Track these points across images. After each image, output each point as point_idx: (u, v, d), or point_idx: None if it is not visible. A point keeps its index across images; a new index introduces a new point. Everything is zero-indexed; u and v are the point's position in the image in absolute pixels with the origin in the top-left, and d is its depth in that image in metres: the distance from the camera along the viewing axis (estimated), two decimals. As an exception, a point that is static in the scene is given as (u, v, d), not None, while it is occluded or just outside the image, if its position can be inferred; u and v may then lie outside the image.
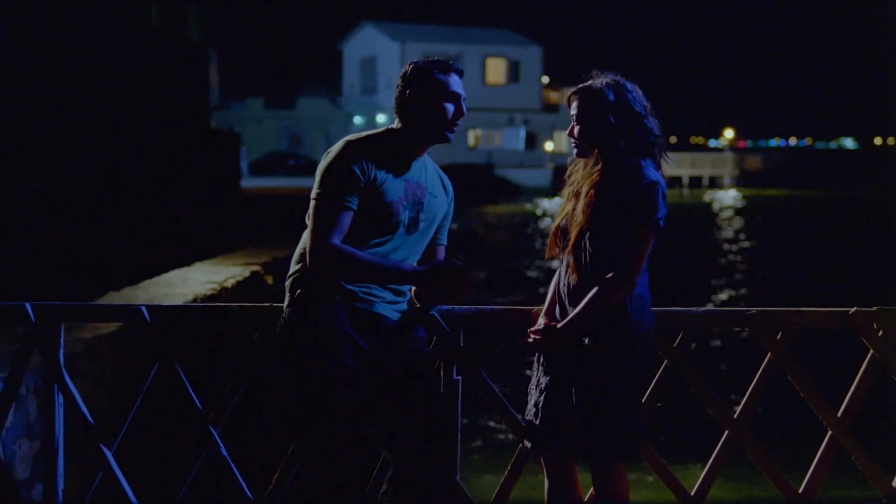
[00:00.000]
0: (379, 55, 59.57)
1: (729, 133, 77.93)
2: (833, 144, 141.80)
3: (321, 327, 3.58)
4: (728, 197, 54.61)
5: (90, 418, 4.18)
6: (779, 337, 4.11)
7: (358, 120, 58.20)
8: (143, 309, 4.17)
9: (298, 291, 3.64)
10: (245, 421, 5.56)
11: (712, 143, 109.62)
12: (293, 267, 3.72)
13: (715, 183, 66.52)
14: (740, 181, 66.88)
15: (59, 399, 4.20)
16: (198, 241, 13.85)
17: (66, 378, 4.18)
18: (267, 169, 48.72)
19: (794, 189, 62.00)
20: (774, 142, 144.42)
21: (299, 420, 3.61)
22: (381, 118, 56.91)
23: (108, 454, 4.19)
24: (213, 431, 4.16)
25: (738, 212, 43.22)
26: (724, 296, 18.70)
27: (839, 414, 4.09)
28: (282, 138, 58.63)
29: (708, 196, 55.02)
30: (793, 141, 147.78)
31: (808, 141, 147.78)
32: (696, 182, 65.33)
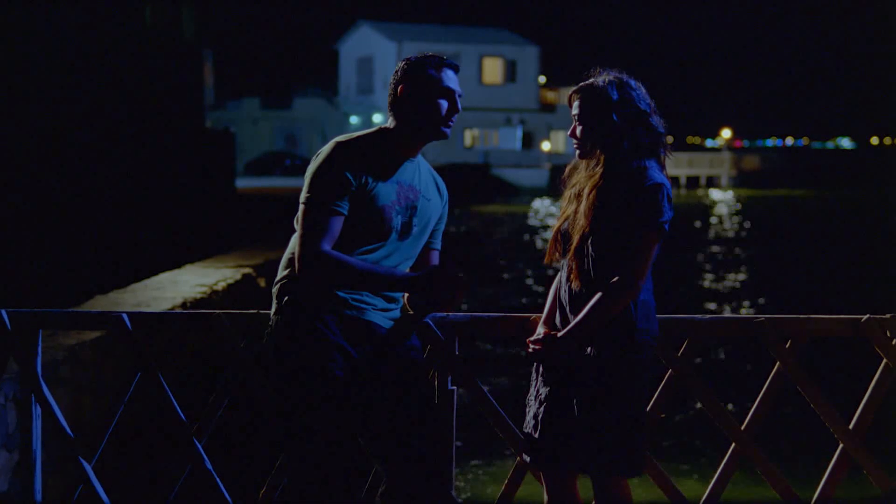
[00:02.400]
0: (375, 55, 59.43)
1: (726, 133, 77.84)
2: (830, 144, 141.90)
3: (309, 336, 3.44)
4: (726, 197, 54.50)
5: (69, 430, 4.01)
6: (788, 345, 3.94)
7: (354, 120, 58.06)
8: (125, 316, 4.00)
9: (286, 298, 3.50)
10: (231, 433, 5.39)
11: (709, 142, 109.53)
12: (281, 273, 3.57)
13: (712, 183, 66.43)
14: (738, 181, 66.80)
15: (37, 410, 4.03)
16: (190, 243, 13.69)
17: (44, 388, 4.01)
18: (263, 169, 48.65)
19: (793, 189, 61.94)
20: (771, 142, 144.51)
21: (287, 433, 3.46)
22: (377, 118, 56.78)
23: (88, 468, 4.02)
24: (198, 444, 4.00)
25: (739, 213, 43.07)
26: (728, 301, 18.37)
27: (851, 426, 3.92)
28: (278, 138, 58.52)
29: (706, 196, 54.89)
30: (789, 141, 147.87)
31: (804, 141, 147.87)
32: (693, 182, 65.23)
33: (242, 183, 30.42)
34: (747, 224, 36.42)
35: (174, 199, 16.46)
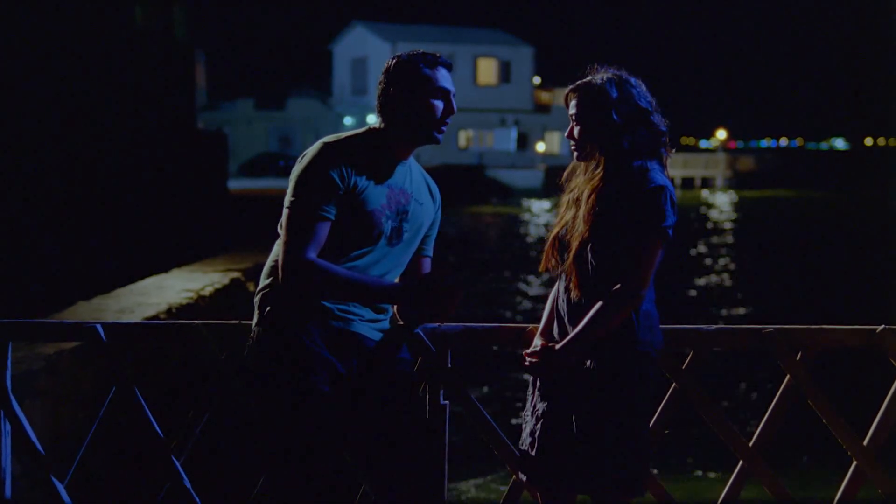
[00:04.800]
0: (369, 55, 59.28)
1: (721, 133, 77.75)
2: (824, 145, 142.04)
3: (293, 349, 3.26)
4: (723, 198, 54.37)
5: (40, 448, 3.80)
6: (798, 357, 3.75)
7: (348, 120, 57.92)
8: (99, 327, 3.80)
9: (268, 309, 3.32)
10: (211, 451, 5.19)
11: (703, 143, 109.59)
12: (263, 281, 3.39)
13: (707, 184, 66.33)
14: (733, 182, 66.71)
15: (6, 427, 3.82)
16: (179, 245, 13.50)
17: (14, 405, 3.80)
18: (257, 170, 48.60)
19: (789, 190, 61.85)
20: (765, 142, 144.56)
21: (270, 451, 3.28)
22: (371, 119, 56.60)
23: (60, 487, 3.82)
24: (176, 462, 3.80)
25: (736, 214, 42.88)
26: (731, 309, 17.92)
27: (865, 443, 3.73)
28: (272, 139, 58.40)
29: (702, 197, 54.73)
30: (784, 141, 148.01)
31: (798, 141, 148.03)
32: (688, 183, 65.12)
33: (236, 184, 30.24)
34: (746, 227, 36.22)
35: (164, 200, 16.27)
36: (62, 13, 13.80)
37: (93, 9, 15.13)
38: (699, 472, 7.49)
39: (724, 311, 17.60)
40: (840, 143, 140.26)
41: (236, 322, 3.78)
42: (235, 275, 9.22)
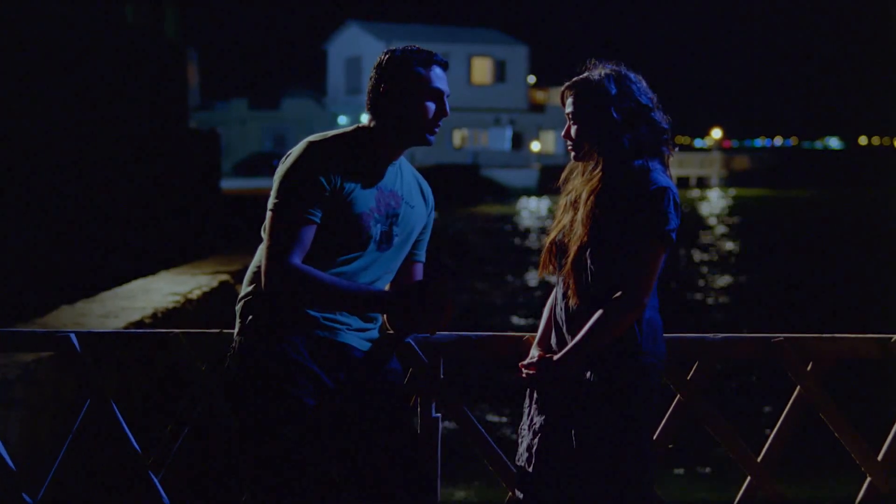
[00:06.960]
0: (364, 55, 59.23)
1: (716, 133, 77.76)
2: (818, 144, 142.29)
3: (276, 360, 3.10)
4: (719, 198, 54.30)
5: (10, 462, 3.62)
6: (809, 368, 3.58)
7: (343, 120, 57.82)
8: (73, 336, 3.62)
9: (250, 317, 3.16)
10: (192, 466, 5.01)
11: (697, 142, 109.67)
12: (245, 288, 3.23)
13: (703, 183, 66.37)
14: (728, 181, 66.75)
15: (-25, 441, 3.64)
16: (169, 247, 13.33)
17: (-17, 417, 3.62)
18: (251, 170, 48.55)
19: (785, 189, 61.86)
20: (760, 141, 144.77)
21: (252, 467, 3.12)
22: (365, 118, 56.35)
23: (32, 505, 3.63)
24: (154, 478, 3.63)
25: (734, 215, 42.74)
26: (733, 316, 17.56)
27: (879, 457, 3.56)
28: (266, 139, 58.39)
29: (700, 197, 54.65)
30: (778, 141, 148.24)
31: (793, 140, 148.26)
32: (683, 182, 65.08)
33: (229, 184, 30.12)
34: (745, 227, 36.07)
35: (156, 201, 16.11)
36: (51, 11, 13.63)
37: (82, 6, 14.96)
38: (705, 488, 7.33)
39: (726, 316, 17.36)
40: (835, 143, 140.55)
41: (217, 331, 3.62)
42: (224, 277, 9.05)
